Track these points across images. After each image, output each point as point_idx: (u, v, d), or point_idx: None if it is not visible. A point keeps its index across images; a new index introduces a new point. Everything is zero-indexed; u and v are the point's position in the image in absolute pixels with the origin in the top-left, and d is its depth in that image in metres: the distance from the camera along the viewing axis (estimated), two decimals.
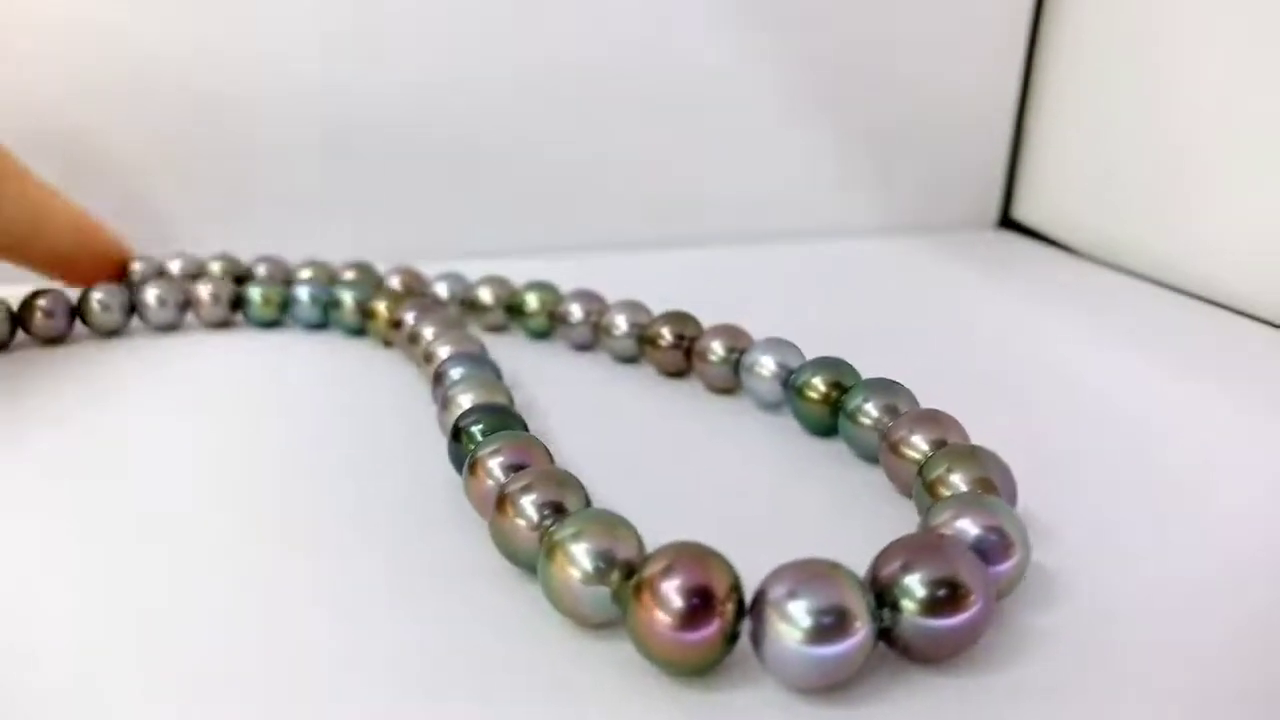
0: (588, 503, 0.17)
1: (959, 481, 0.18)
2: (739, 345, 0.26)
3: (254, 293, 0.30)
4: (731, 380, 0.26)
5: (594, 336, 0.28)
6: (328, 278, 0.32)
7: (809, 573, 0.14)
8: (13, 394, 0.26)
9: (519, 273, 0.31)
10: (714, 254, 0.40)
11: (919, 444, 0.20)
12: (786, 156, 0.41)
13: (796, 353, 0.25)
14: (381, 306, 0.28)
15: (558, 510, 0.17)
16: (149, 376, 0.27)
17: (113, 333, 0.30)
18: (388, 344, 0.29)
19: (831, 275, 0.38)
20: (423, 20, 0.36)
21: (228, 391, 0.26)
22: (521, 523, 0.17)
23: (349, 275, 0.32)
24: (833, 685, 0.14)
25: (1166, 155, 0.35)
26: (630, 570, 0.15)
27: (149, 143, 0.36)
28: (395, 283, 0.31)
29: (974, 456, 0.18)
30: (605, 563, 0.15)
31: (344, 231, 0.37)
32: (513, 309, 0.30)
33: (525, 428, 0.20)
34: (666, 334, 0.27)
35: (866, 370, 0.23)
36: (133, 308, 0.30)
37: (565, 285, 0.30)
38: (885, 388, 0.22)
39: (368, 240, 0.37)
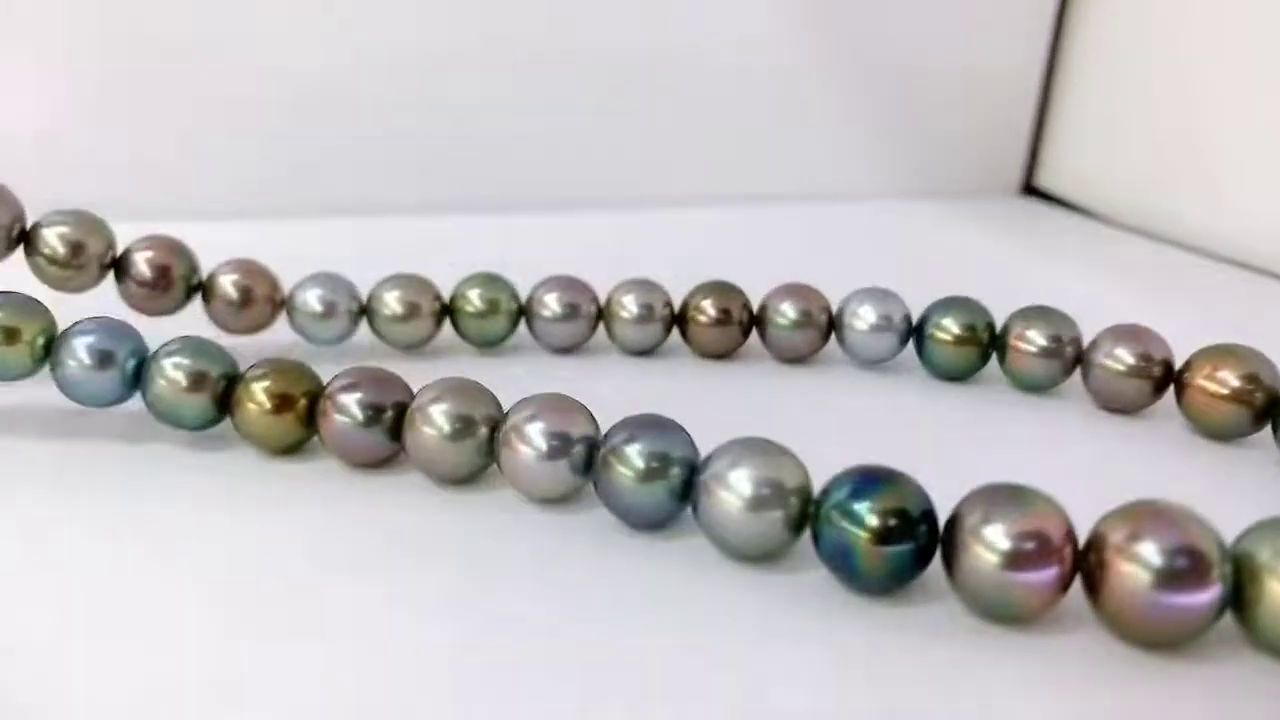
0: None
1: None
2: (814, 305, 0.20)
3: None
4: (813, 345, 0.20)
5: (584, 331, 0.21)
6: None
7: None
8: None
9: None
10: (728, 214, 0.36)
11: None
12: (808, 119, 0.38)
13: (900, 300, 0.20)
14: None
15: None
16: None
17: None
18: None
19: (851, 239, 0.34)
20: None
21: None
22: None
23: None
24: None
25: (1192, 119, 0.33)
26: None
27: None
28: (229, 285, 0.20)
29: None
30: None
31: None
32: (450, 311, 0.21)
33: None
34: (710, 309, 0.20)
35: None
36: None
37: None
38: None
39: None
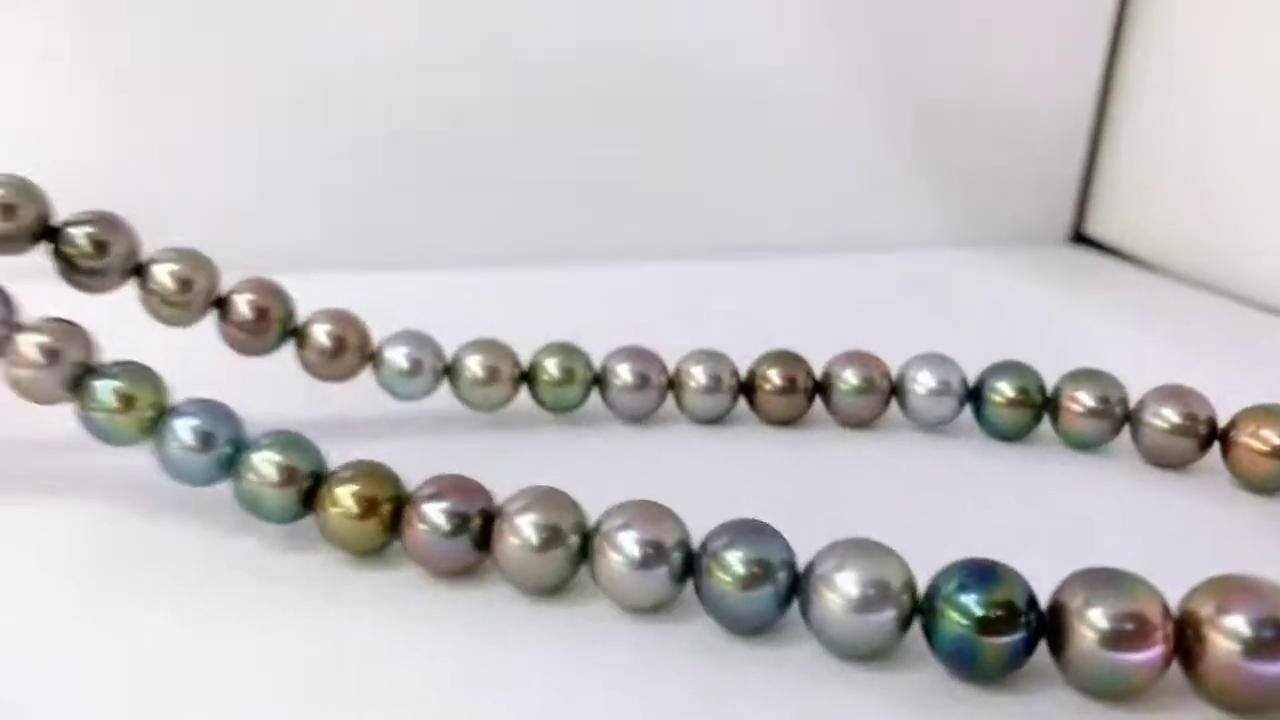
0: None
1: None
2: (875, 371, 0.21)
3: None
4: (875, 410, 0.21)
5: (654, 400, 0.22)
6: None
7: None
8: None
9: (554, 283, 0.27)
10: (779, 265, 0.37)
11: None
12: (859, 166, 0.39)
13: (956, 365, 0.21)
14: None
15: None
16: None
17: None
18: None
19: (900, 288, 0.35)
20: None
21: None
22: None
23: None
24: None
25: (1246, 168, 0.33)
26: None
27: None
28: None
29: None
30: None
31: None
32: (528, 378, 0.22)
33: None
34: (775, 378, 0.21)
35: None
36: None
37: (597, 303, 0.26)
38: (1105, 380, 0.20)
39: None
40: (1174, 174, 0.36)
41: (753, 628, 0.14)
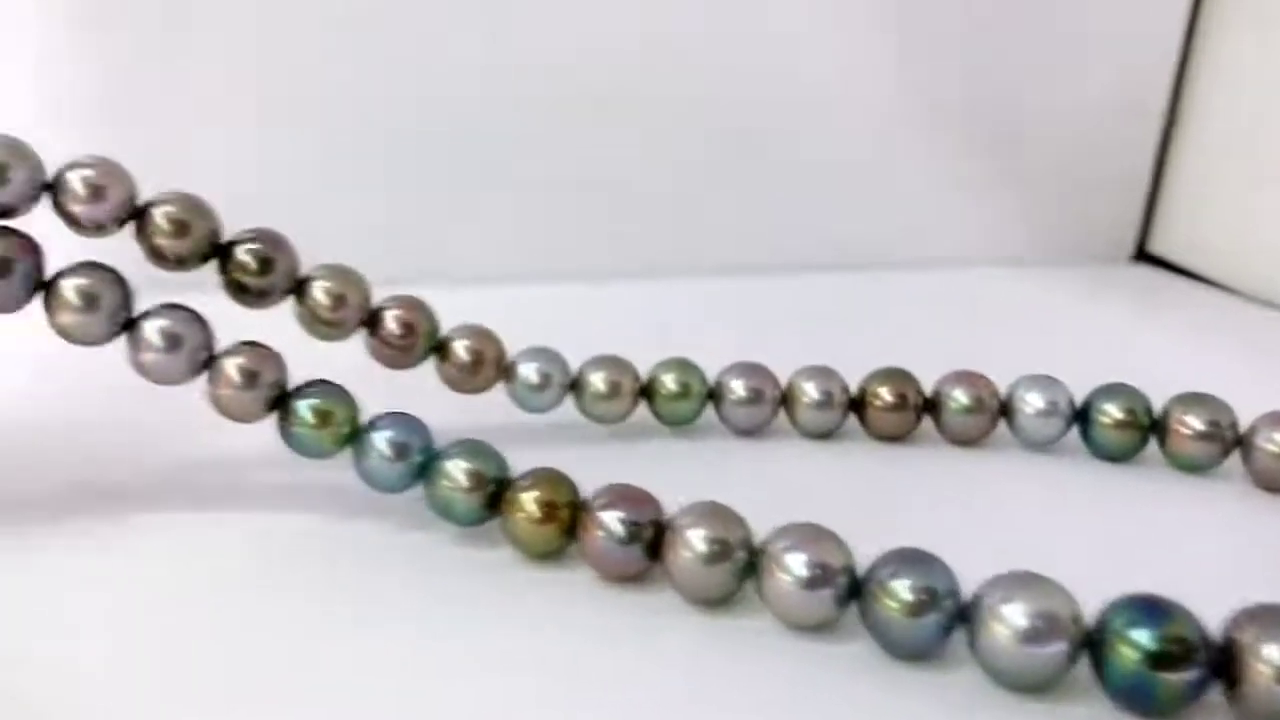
0: None
1: None
2: (984, 391, 0.22)
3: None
4: (984, 429, 0.22)
5: (767, 415, 0.23)
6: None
7: None
8: None
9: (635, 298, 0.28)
10: (845, 281, 0.37)
11: None
12: (921, 184, 0.39)
13: (1063, 386, 0.22)
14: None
15: None
16: None
17: None
18: None
19: (964, 306, 0.36)
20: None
21: None
22: None
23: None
24: None
25: None
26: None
27: None
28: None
29: None
30: None
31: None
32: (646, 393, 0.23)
33: None
34: (886, 394, 0.22)
35: None
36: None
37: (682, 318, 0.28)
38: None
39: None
40: (1239, 191, 0.37)
41: (915, 654, 0.15)
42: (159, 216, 0.18)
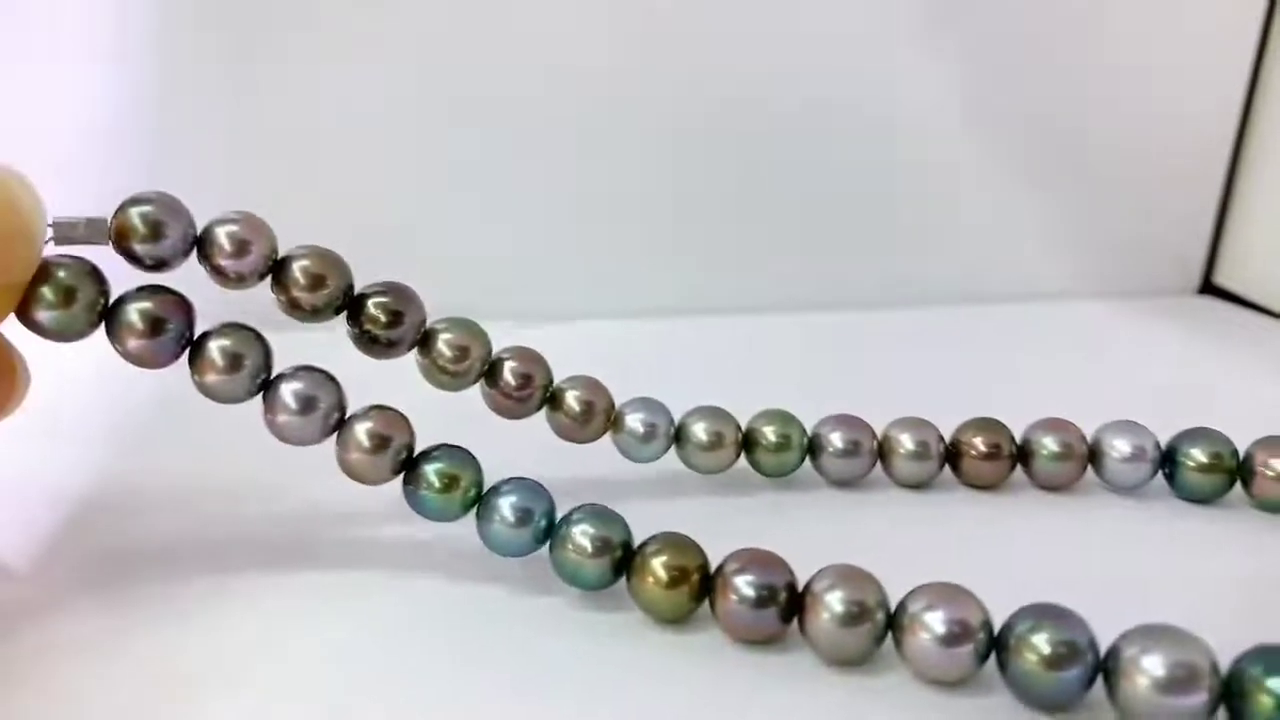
0: None
1: None
2: (1071, 437, 0.23)
3: None
4: (1073, 476, 0.23)
5: (864, 466, 0.24)
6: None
7: None
8: None
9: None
10: (908, 316, 0.38)
11: None
12: (984, 217, 0.40)
13: (1149, 431, 0.23)
14: None
15: None
16: None
17: None
18: None
19: (1029, 340, 0.36)
20: None
21: None
22: None
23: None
24: None
25: None
26: None
27: None
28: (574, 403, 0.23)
29: None
30: None
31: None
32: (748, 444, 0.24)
33: None
34: (980, 444, 0.23)
35: None
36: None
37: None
38: None
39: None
40: None
41: (1056, 706, 0.16)
42: (297, 270, 0.18)
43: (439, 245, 0.35)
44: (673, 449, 0.23)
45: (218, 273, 0.18)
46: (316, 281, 0.18)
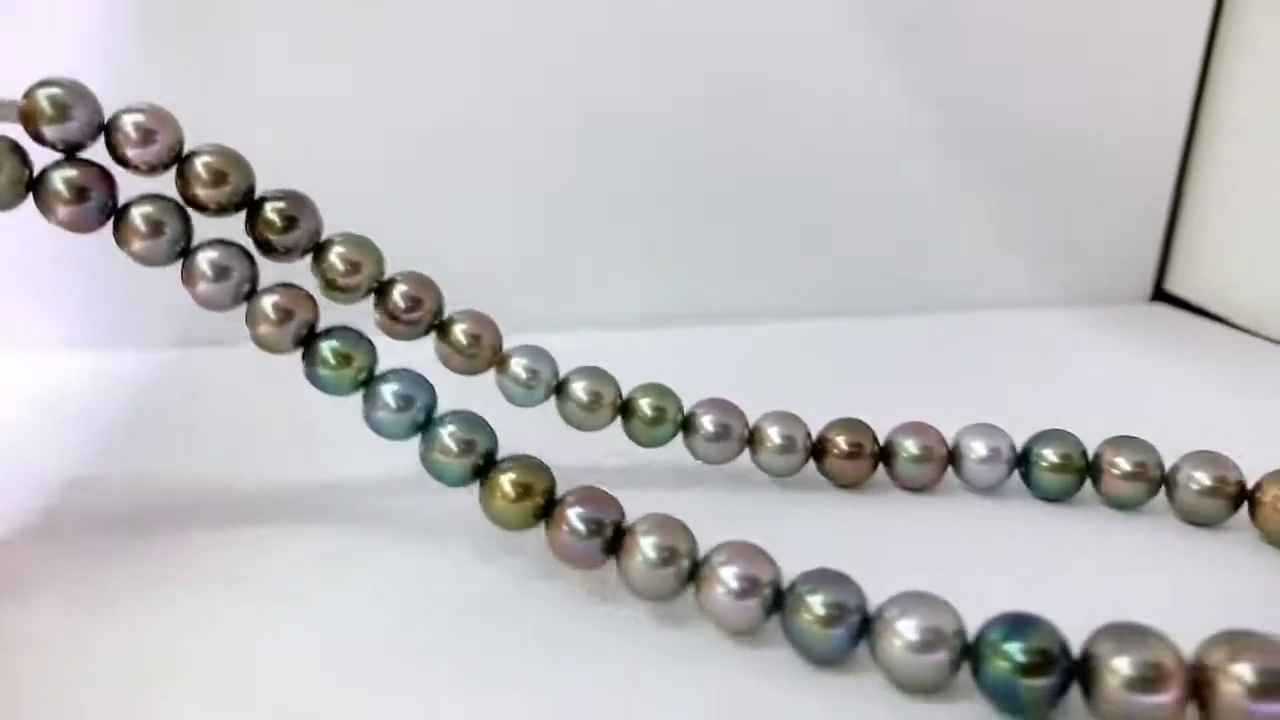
0: None
1: None
2: (932, 439, 0.24)
3: None
4: (933, 476, 0.24)
5: (735, 449, 0.25)
6: None
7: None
8: None
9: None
10: (858, 325, 0.39)
11: None
12: (936, 227, 0.40)
13: (1005, 433, 0.24)
14: None
15: None
16: None
17: None
18: None
19: (980, 347, 0.37)
20: None
21: None
22: None
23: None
24: None
25: None
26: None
27: None
28: None
29: None
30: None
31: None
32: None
33: None
34: (842, 443, 0.24)
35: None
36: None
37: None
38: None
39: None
40: (1253, 232, 0.38)
41: (828, 660, 0.17)
42: (200, 165, 0.19)
43: (429, 249, 0.35)
44: (553, 399, 0.24)
45: (123, 162, 0.19)
46: (218, 178, 0.19)
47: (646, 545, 0.18)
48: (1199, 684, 0.15)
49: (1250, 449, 0.23)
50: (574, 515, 0.19)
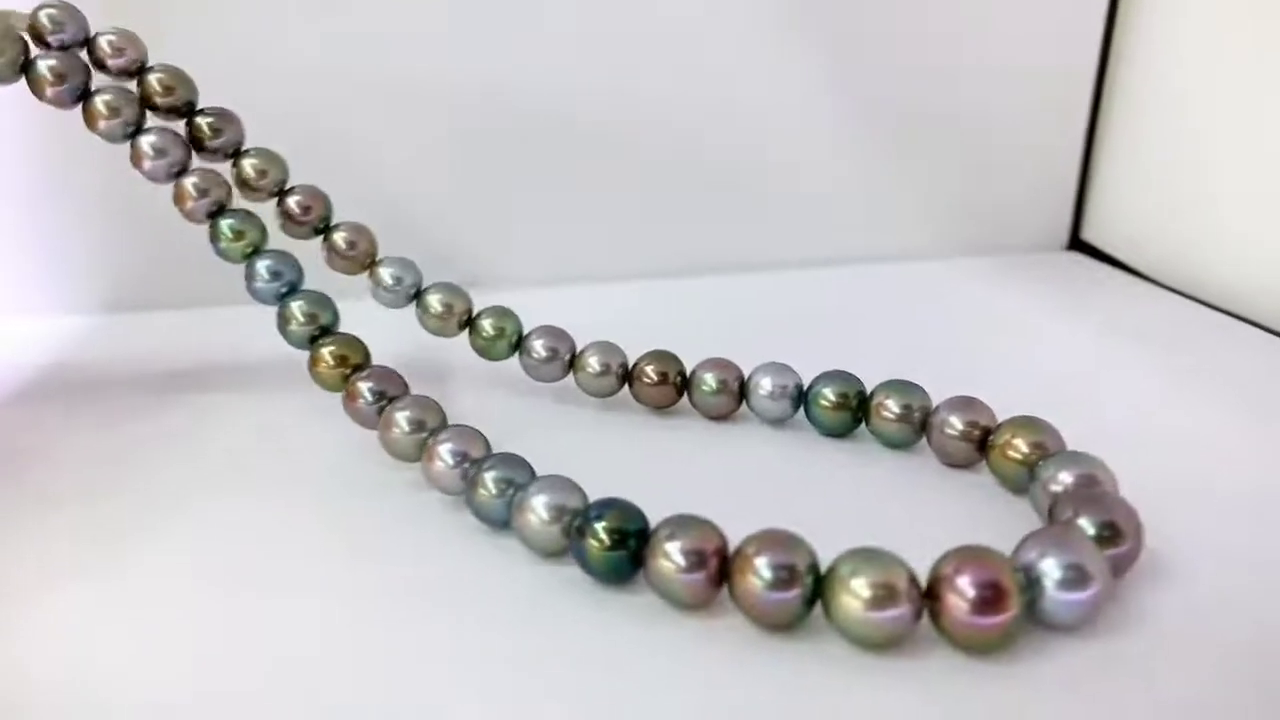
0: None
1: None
2: (729, 375, 0.26)
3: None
4: (729, 407, 0.26)
5: (561, 371, 0.27)
6: None
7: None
8: None
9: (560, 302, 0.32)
10: (778, 278, 0.40)
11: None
12: (853, 180, 0.41)
13: (793, 372, 0.26)
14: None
15: None
16: None
17: None
18: None
19: (898, 299, 0.38)
20: None
21: None
22: None
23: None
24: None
25: (1241, 179, 0.34)
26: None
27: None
28: None
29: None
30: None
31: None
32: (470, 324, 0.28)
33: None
34: (651, 372, 0.26)
35: (936, 393, 0.25)
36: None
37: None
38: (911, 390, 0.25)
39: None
40: (1171, 182, 0.38)
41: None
42: (153, 79, 0.25)
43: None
44: (413, 306, 0.27)
45: (101, 66, 0.24)
46: (167, 90, 0.25)
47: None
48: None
49: (1115, 394, 0.27)
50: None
